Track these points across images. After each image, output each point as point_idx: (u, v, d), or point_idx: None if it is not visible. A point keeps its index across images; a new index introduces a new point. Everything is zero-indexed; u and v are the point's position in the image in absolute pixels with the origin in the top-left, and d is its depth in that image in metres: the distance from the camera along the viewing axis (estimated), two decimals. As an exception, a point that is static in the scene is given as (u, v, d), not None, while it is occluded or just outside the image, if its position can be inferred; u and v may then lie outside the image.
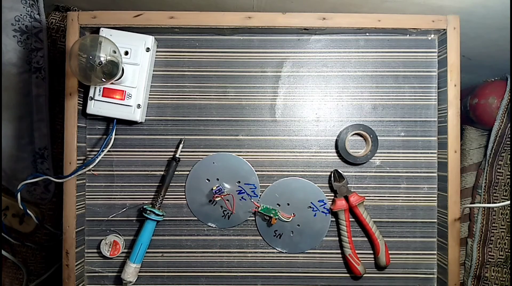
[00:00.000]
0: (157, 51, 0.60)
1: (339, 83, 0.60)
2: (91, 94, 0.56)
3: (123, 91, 0.56)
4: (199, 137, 0.60)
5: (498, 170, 0.72)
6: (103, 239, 0.59)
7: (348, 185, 0.59)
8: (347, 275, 0.60)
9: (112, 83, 0.55)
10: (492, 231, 0.72)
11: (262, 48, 0.60)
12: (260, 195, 0.60)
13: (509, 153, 0.72)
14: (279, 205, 0.59)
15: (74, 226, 0.56)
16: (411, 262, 0.60)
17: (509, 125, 0.71)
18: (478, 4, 0.59)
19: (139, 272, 0.59)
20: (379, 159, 0.60)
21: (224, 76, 0.60)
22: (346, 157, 0.58)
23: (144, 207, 0.58)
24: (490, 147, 0.72)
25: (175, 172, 0.59)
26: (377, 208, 0.60)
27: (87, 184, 0.60)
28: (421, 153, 0.60)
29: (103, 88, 0.56)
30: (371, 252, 0.60)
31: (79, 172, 0.57)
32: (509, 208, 0.71)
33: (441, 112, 0.59)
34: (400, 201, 0.60)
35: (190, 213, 0.60)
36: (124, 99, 0.56)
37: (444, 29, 0.57)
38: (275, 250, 0.60)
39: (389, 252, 0.59)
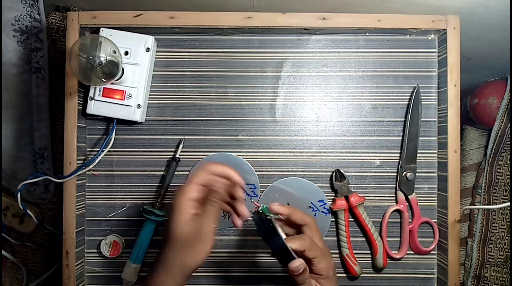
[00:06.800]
0: (157, 51, 0.60)
1: (339, 83, 0.60)
2: (91, 94, 0.56)
3: (123, 91, 0.56)
4: (199, 137, 0.60)
5: (498, 170, 0.72)
6: (103, 239, 0.59)
7: (349, 185, 0.59)
8: (348, 275, 0.60)
9: (112, 83, 0.55)
10: (492, 231, 0.72)
11: (262, 48, 0.60)
12: (260, 195, 0.60)
13: (509, 153, 0.72)
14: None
15: (74, 226, 0.56)
16: (411, 262, 0.60)
17: (509, 125, 0.71)
18: (478, 4, 0.59)
19: (139, 272, 0.59)
20: (379, 159, 0.60)
21: (224, 76, 0.60)
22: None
23: (144, 207, 0.58)
24: (490, 147, 0.72)
25: (175, 172, 0.59)
26: (377, 208, 0.60)
27: (87, 184, 0.60)
28: (421, 153, 0.60)
29: (103, 88, 0.56)
30: (370, 252, 0.60)
31: (79, 172, 0.57)
32: (509, 208, 0.71)
33: (441, 112, 0.59)
34: (400, 201, 0.60)
35: (190, 213, 0.60)
36: (124, 99, 0.56)
37: (444, 29, 0.57)
38: (275, 250, 0.60)
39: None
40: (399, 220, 0.60)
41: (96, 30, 0.57)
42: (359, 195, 0.58)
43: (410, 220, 0.59)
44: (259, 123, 0.60)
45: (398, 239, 0.60)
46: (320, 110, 0.60)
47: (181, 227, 0.42)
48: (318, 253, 0.45)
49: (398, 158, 0.60)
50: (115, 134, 0.58)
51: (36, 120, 0.68)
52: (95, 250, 0.60)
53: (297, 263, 0.44)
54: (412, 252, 0.60)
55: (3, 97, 0.66)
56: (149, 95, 0.60)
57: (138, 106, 0.57)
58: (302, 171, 0.60)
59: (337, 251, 0.60)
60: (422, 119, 0.59)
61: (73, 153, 0.57)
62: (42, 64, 0.68)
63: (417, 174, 0.59)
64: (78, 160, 0.57)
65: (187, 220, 0.42)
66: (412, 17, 0.58)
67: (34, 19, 0.68)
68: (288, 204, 0.59)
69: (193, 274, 0.59)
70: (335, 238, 0.60)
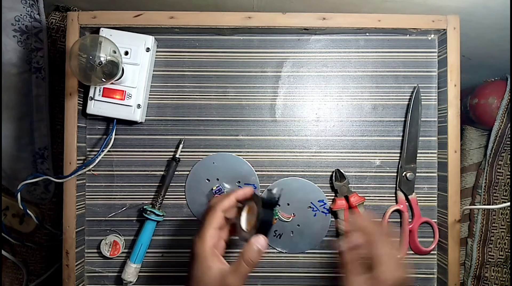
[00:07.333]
0: (157, 51, 0.60)
1: (339, 83, 0.60)
2: (91, 94, 0.56)
3: (123, 91, 0.56)
4: (199, 137, 0.60)
5: (498, 170, 0.72)
6: (103, 239, 0.59)
7: (349, 185, 0.59)
8: (347, 275, 0.60)
9: (112, 83, 0.56)
10: (492, 231, 0.72)
11: (262, 48, 0.60)
12: (260, 195, 0.60)
13: (509, 153, 0.72)
14: (279, 205, 0.59)
15: (74, 226, 0.56)
16: (411, 262, 0.60)
17: (509, 125, 0.71)
18: (478, 4, 0.59)
19: (139, 272, 0.59)
20: (379, 159, 0.60)
21: (224, 76, 0.60)
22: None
23: (144, 207, 0.58)
24: (490, 147, 0.72)
25: (175, 172, 0.59)
26: (377, 208, 0.60)
27: (87, 184, 0.60)
28: (421, 153, 0.60)
29: (103, 88, 0.56)
30: (371, 252, 0.60)
31: (79, 172, 0.57)
32: (509, 208, 0.71)
33: (441, 112, 0.59)
34: (400, 201, 0.60)
35: (190, 213, 0.60)
36: (124, 99, 0.56)
37: (444, 29, 0.57)
38: (275, 250, 0.60)
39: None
40: (399, 220, 0.60)
41: (96, 30, 0.57)
42: (359, 195, 0.58)
43: (410, 220, 0.59)
44: (259, 123, 0.60)
45: (398, 239, 0.60)
46: (320, 110, 0.60)
47: (207, 282, 0.40)
48: (373, 237, 0.40)
49: (398, 158, 0.60)
50: (115, 134, 0.58)
51: (36, 120, 0.68)
52: (95, 250, 0.60)
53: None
54: (412, 252, 0.60)
55: (3, 97, 0.66)
56: (149, 95, 0.60)
57: (138, 106, 0.57)
58: (302, 171, 0.60)
59: (336, 251, 0.60)
60: (422, 119, 0.59)
61: (73, 153, 0.57)
62: (42, 64, 0.68)
63: (417, 174, 0.59)
64: (78, 160, 0.57)
65: (213, 272, 0.41)
66: (412, 17, 0.58)
67: (34, 19, 0.68)
68: (288, 204, 0.59)
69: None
70: (335, 238, 0.60)
